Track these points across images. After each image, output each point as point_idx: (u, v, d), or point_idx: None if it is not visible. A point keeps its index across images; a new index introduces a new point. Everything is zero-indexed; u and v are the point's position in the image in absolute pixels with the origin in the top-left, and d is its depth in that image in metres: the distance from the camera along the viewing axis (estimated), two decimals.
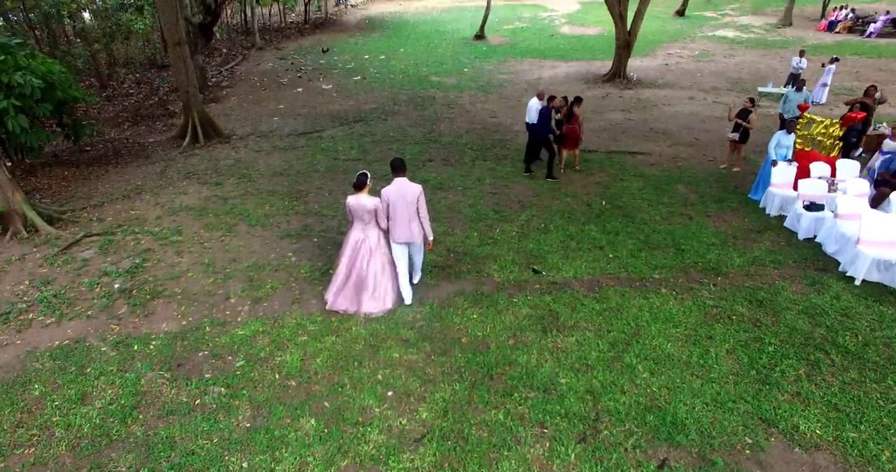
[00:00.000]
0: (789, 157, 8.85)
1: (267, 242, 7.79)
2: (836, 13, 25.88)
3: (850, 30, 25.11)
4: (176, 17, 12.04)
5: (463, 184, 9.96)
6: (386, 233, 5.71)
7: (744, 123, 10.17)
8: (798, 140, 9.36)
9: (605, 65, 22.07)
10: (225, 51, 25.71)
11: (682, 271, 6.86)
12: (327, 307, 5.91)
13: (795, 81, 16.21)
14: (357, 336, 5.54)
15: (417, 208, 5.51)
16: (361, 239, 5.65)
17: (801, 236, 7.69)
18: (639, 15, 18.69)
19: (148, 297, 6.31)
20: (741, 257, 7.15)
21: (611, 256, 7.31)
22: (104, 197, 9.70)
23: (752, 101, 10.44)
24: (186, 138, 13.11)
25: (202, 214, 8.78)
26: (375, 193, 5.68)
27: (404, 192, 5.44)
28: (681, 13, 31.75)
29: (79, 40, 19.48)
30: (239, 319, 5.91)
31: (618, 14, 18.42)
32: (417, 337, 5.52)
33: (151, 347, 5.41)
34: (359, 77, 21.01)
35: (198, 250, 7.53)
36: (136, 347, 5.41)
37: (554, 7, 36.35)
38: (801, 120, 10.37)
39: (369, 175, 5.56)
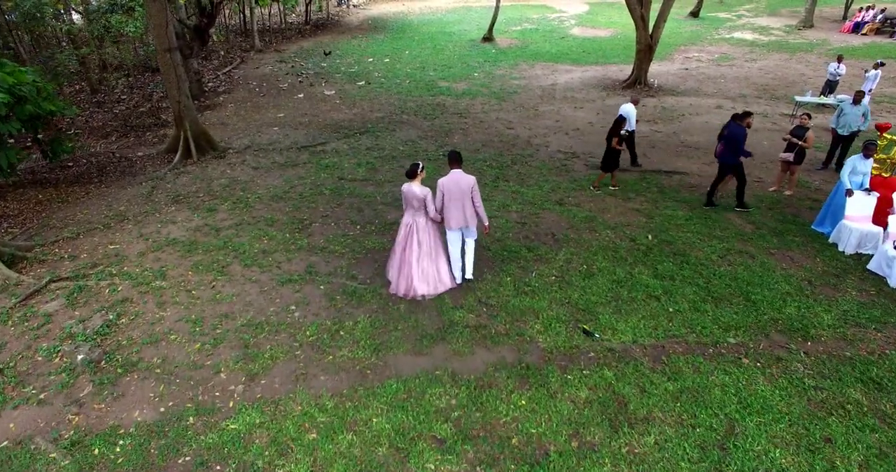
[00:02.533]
0: (866, 185, 7.73)
1: (265, 289, 6.65)
2: (861, 14, 24.73)
3: (878, 31, 23.97)
4: (165, 20, 10.89)
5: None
6: (435, 221, 6.18)
7: (800, 142, 9.05)
8: (874, 165, 8.24)
9: (621, 69, 20.96)
10: (222, 53, 24.54)
11: (760, 333, 5.74)
12: (390, 290, 6.44)
13: (833, 88, 15.17)
14: (379, 433, 4.41)
15: (472, 198, 6.02)
16: (411, 223, 6.13)
17: (892, 284, 6.57)
18: (661, 17, 17.57)
19: (120, 370, 5.18)
20: (828, 313, 6.03)
21: (671, 310, 6.18)
22: (81, 226, 8.56)
23: (808, 116, 9.31)
24: (178, 153, 11.97)
25: (191, 251, 7.65)
26: (428, 183, 6.14)
27: (459, 182, 5.95)
28: (695, 14, 30.61)
29: (65, 44, 18.30)
30: (231, 404, 4.78)
31: (639, 16, 17.28)
32: (455, 435, 4.39)
33: (118, 450, 4.27)
34: (363, 82, 19.86)
35: (184, 301, 6.39)
36: (97, 450, 4.28)
37: (562, 8, 35.17)
38: (880, 141, 9.22)
39: (421, 165, 5.99)
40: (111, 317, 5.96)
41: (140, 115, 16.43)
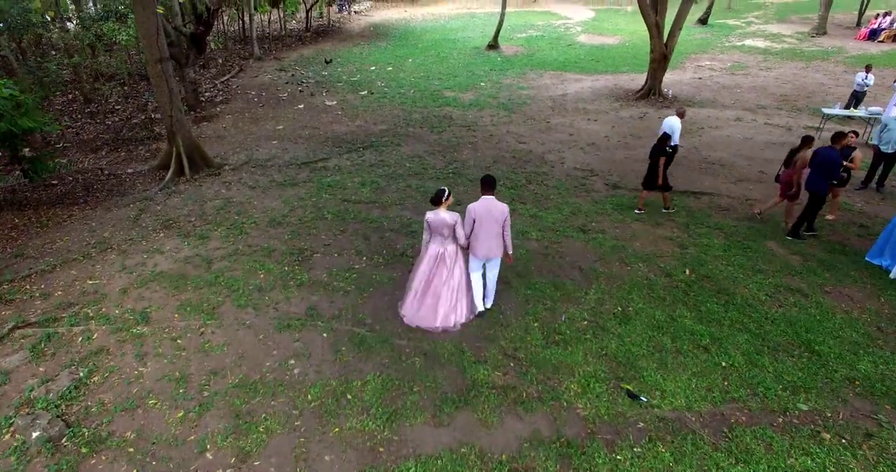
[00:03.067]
0: None
1: (260, 336, 5.86)
2: (877, 20, 24.05)
3: None
4: (156, 29, 10.15)
5: None
6: (462, 247, 5.83)
7: (847, 163, 8.29)
8: None
9: (632, 79, 20.27)
10: (220, 61, 23.83)
11: (835, 396, 4.96)
12: (405, 322, 6.00)
13: (860, 100, 14.44)
14: None
15: (504, 227, 5.66)
16: (441, 253, 5.73)
17: None
18: (676, 25, 16.85)
19: (84, 450, 4.38)
20: None
21: (724, 364, 5.40)
22: (59, 257, 7.77)
23: (856, 134, 8.57)
24: (170, 171, 11.19)
25: (179, 287, 6.86)
26: (455, 207, 5.91)
27: (492, 210, 5.58)
28: (703, 21, 29.97)
29: (54, 53, 17.57)
30: None
31: (653, 23, 16.57)
32: None
33: None
34: (365, 92, 19.14)
35: (168, 352, 5.60)
36: None
37: (566, 15, 34.58)
38: None
39: (447, 190, 5.61)
40: (81, 374, 5.17)
41: (133, 127, 15.67)
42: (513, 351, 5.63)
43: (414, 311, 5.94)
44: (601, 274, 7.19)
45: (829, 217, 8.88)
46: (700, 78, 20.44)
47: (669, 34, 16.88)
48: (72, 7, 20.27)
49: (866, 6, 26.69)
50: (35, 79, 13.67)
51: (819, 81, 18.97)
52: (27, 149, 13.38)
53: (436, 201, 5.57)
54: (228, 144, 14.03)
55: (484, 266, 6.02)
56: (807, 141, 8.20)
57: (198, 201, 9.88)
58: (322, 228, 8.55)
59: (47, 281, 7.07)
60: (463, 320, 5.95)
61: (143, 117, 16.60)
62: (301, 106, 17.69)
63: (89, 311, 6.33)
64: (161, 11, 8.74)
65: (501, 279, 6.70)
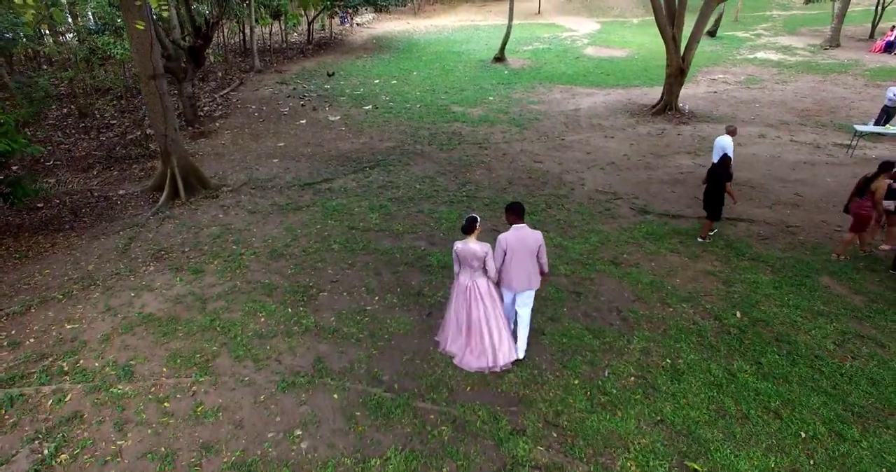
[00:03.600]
0: None
1: (261, 397, 5.07)
2: (893, 33, 23.50)
3: None
4: (150, 44, 9.46)
5: None
6: (495, 282, 5.34)
7: None
8: None
9: (645, 93, 19.65)
10: (220, 74, 23.21)
11: None
12: (442, 350, 5.64)
13: (891, 116, 13.77)
14: None
15: (539, 256, 5.26)
16: (470, 287, 5.24)
17: None
18: (693, 38, 16.24)
19: None
20: None
21: (803, 435, 4.61)
22: (35, 295, 7.00)
23: None
24: (164, 193, 10.45)
25: (168, 333, 6.08)
26: (484, 238, 5.59)
27: (526, 239, 5.17)
28: (712, 34, 29.44)
29: (46, 67, 16.92)
30: None
31: (670, 37, 15.95)
32: None
33: None
34: (370, 106, 18.48)
35: (153, 419, 4.81)
36: None
37: (571, 27, 34.09)
38: None
39: (479, 219, 5.13)
40: (46, 452, 4.37)
41: (127, 144, 14.96)
42: (554, 417, 4.84)
43: (461, 351, 5.46)
44: (642, 317, 6.41)
45: (885, 247, 8.12)
46: (715, 92, 19.82)
47: (686, 47, 16.27)
48: (69, 20, 19.71)
49: (879, 18, 26.17)
50: (24, 95, 12.98)
51: (840, 95, 18.33)
52: (15, 168, 12.69)
53: (468, 230, 5.09)
54: (227, 162, 13.31)
55: (514, 302, 5.54)
56: (885, 168, 7.42)
57: (193, 229, 9.13)
58: (328, 261, 7.78)
59: (20, 325, 6.28)
60: (501, 362, 5.36)
61: (138, 133, 15.91)
62: (303, 121, 17.02)
63: (64, 364, 5.54)
64: (141, 26, 8.02)
65: (533, 328, 5.93)
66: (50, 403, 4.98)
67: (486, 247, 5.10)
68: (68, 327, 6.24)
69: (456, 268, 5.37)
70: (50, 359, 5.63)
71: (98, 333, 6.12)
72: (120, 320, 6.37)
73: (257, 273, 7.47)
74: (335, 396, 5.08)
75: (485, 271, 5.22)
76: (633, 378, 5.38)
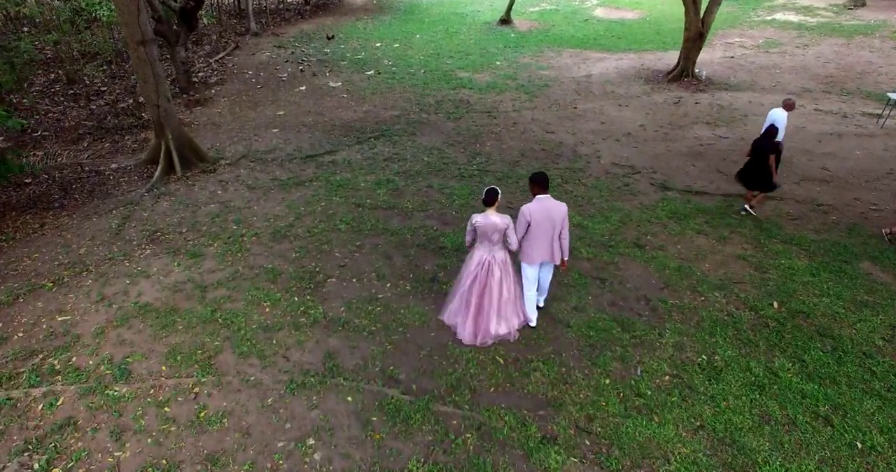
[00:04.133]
0: None
1: (269, 399, 4.71)
2: None
3: None
4: (136, 6, 8.70)
5: None
6: (513, 254, 5.25)
7: None
8: None
9: (659, 58, 18.76)
10: (214, 38, 22.13)
11: None
12: (458, 337, 5.42)
13: None
14: None
15: (562, 229, 5.10)
16: (488, 259, 5.09)
17: None
18: (714, 1, 15.28)
19: None
20: None
21: (860, 445, 4.27)
22: (24, 282, 6.56)
23: None
24: (158, 168, 9.89)
25: (167, 325, 5.68)
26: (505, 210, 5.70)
27: (550, 211, 5.01)
28: None
29: (26, 30, 16.00)
30: None
31: None
32: None
33: None
34: (371, 71, 17.63)
35: (153, 425, 4.45)
36: None
37: None
38: None
39: (499, 192, 4.97)
40: (38, 465, 4.01)
41: (119, 112, 14.24)
42: (586, 423, 4.48)
43: (466, 329, 5.32)
44: (673, 307, 6.00)
45: None
46: (732, 57, 18.93)
47: (707, 10, 15.36)
48: None
49: None
50: (6, 60, 12.21)
51: (867, 60, 17.47)
52: (0, 138, 12.06)
53: (489, 202, 4.91)
54: (224, 132, 12.67)
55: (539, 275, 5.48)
56: None
57: (190, 206, 8.63)
58: (335, 243, 7.32)
59: (6, 318, 5.86)
60: (513, 330, 5.37)
61: (130, 102, 15.16)
62: (303, 88, 16.23)
63: (56, 362, 5.15)
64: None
65: (557, 318, 5.53)
66: (41, 407, 4.61)
67: (507, 219, 4.96)
68: (59, 319, 5.83)
69: (468, 240, 5.21)
70: (40, 356, 5.23)
71: (91, 326, 5.71)
72: (115, 310, 5.95)
73: (260, 257, 7.02)
74: (349, 398, 4.71)
75: (504, 245, 5.09)
76: (667, 377, 5.01)
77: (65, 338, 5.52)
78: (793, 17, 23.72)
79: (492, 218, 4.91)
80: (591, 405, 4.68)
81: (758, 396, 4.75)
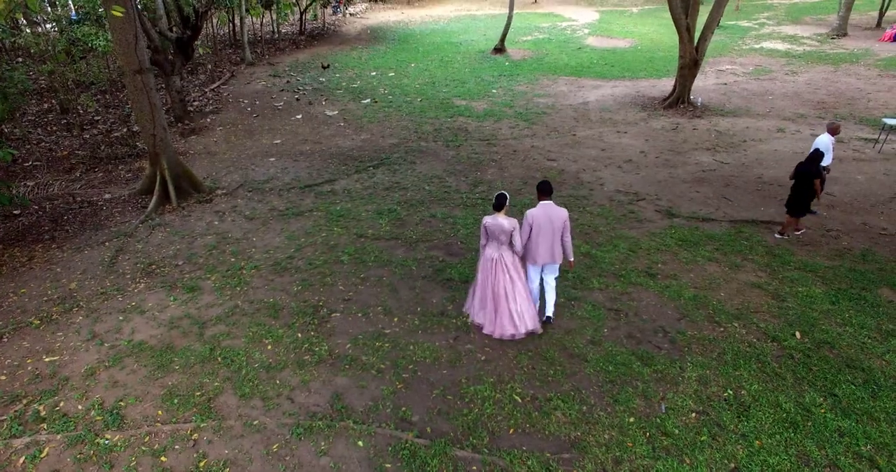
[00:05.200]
0: None
1: (274, 446, 4.38)
2: None
3: None
4: (135, 36, 8.61)
5: (560, 288, 6.59)
6: (520, 256, 5.62)
7: None
8: None
9: (653, 85, 18.98)
10: (210, 67, 22.22)
11: None
12: (469, 321, 5.93)
13: None
14: None
15: (563, 232, 5.53)
16: (496, 259, 5.51)
17: None
18: (708, 28, 15.55)
19: None
20: None
21: None
22: (10, 319, 6.24)
23: None
24: (153, 198, 9.65)
25: (163, 365, 5.35)
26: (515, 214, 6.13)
27: (551, 216, 5.46)
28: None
29: (20, 60, 15.91)
30: None
31: (685, 27, 15.25)
32: None
33: None
34: (368, 100, 17.66)
35: None
36: None
37: (571, 16, 33.31)
38: None
39: (508, 196, 5.42)
40: None
41: (113, 142, 14.06)
42: (614, 466, 4.19)
43: (485, 323, 5.74)
44: (692, 339, 5.77)
45: None
46: (725, 83, 19.18)
47: (701, 37, 15.59)
48: (48, 9, 18.62)
49: (887, 7, 25.60)
50: None
51: (855, 86, 17.74)
52: None
53: (498, 207, 5.39)
54: (220, 161, 12.50)
55: (541, 273, 5.92)
56: None
57: (186, 238, 8.37)
58: (338, 276, 7.06)
59: None
60: (528, 328, 5.67)
61: (124, 130, 15.00)
62: (299, 116, 16.18)
63: (41, 408, 4.81)
64: (119, 14, 7.21)
65: (574, 353, 5.28)
66: (22, 460, 4.25)
67: (513, 222, 5.37)
68: (46, 359, 5.49)
69: (483, 241, 5.59)
70: (24, 401, 4.89)
71: (81, 366, 5.38)
72: (107, 349, 5.63)
73: (260, 291, 6.74)
74: (360, 443, 4.40)
75: (511, 245, 5.46)
76: (694, 415, 4.74)
77: (52, 381, 5.18)
78: (779, 46, 24.23)
79: (500, 220, 5.34)
80: (617, 446, 4.40)
81: (792, 434, 4.49)
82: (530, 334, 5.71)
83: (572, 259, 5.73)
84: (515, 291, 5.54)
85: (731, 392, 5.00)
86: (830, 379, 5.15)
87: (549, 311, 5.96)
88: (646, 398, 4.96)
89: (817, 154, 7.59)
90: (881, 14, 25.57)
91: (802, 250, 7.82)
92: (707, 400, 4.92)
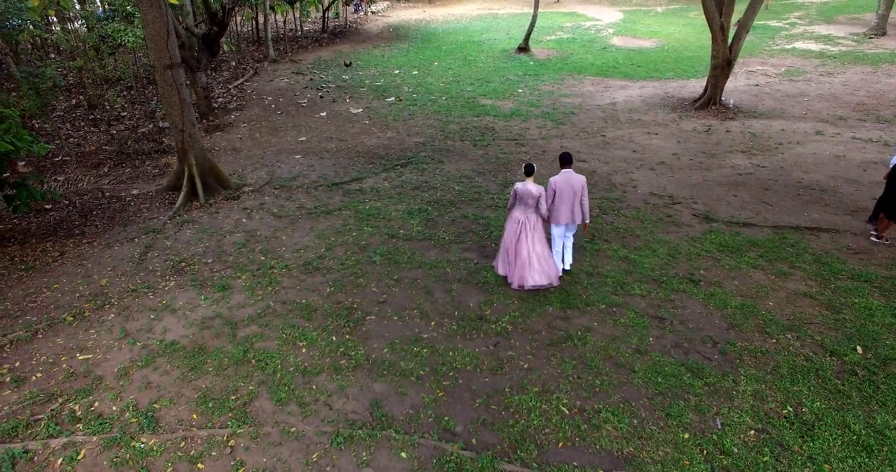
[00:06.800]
0: None
1: (314, 455, 4.23)
2: None
3: None
4: (167, 31, 8.54)
5: (601, 294, 6.36)
6: (545, 219, 6.38)
7: None
8: None
9: (682, 85, 18.58)
10: (234, 64, 22.27)
11: None
12: (499, 272, 6.64)
13: None
14: None
15: (581, 196, 6.33)
16: (522, 220, 6.25)
17: None
18: (743, 28, 15.13)
19: None
20: None
21: None
22: (43, 315, 6.16)
23: None
24: (181, 195, 9.58)
25: (196, 367, 5.23)
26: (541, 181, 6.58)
27: (571, 181, 6.26)
28: None
29: (53, 56, 16.01)
30: None
31: (718, 26, 14.84)
32: None
33: None
34: (392, 98, 17.51)
35: None
36: None
37: (594, 16, 32.90)
38: None
39: (535, 166, 6.39)
40: None
41: (140, 138, 14.08)
42: None
43: (511, 276, 6.44)
44: (743, 351, 5.50)
45: None
46: (756, 85, 18.69)
47: (735, 37, 15.17)
48: (77, 7, 18.79)
49: None
50: (31, 85, 12.10)
51: None
52: (22, 163, 11.85)
53: (529, 173, 6.16)
54: (246, 158, 12.43)
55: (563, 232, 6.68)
56: None
57: (214, 235, 8.27)
58: (371, 277, 6.89)
59: (25, 356, 5.44)
60: (552, 280, 6.38)
61: (150, 126, 15.04)
62: (323, 114, 16.08)
63: (76, 407, 4.70)
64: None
65: (619, 362, 5.04)
66: (60, 462, 4.13)
67: (540, 189, 6.15)
68: (80, 357, 5.39)
69: (511, 202, 6.43)
70: (60, 400, 4.78)
71: (114, 366, 5.27)
72: (139, 349, 5.52)
73: (291, 291, 6.59)
74: (403, 454, 4.21)
75: (537, 209, 6.21)
76: (752, 432, 4.48)
77: (86, 380, 5.08)
78: (813, 46, 23.60)
79: (529, 186, 6.13)
80: (673, 464, 4.16)
81: (866, 459, 4.21)
82: (549, 286, 6.44)
83: (588, 221, 6.52)
84: (537, 248, 6.26)
85: (790, 409, 4.73)
86: None
87: (567, 265, 6.89)
88: (699, 412, 4.70)
89: None
90: None
91: (854, 258, 7.47)
92: (765, 417, 4.65)
